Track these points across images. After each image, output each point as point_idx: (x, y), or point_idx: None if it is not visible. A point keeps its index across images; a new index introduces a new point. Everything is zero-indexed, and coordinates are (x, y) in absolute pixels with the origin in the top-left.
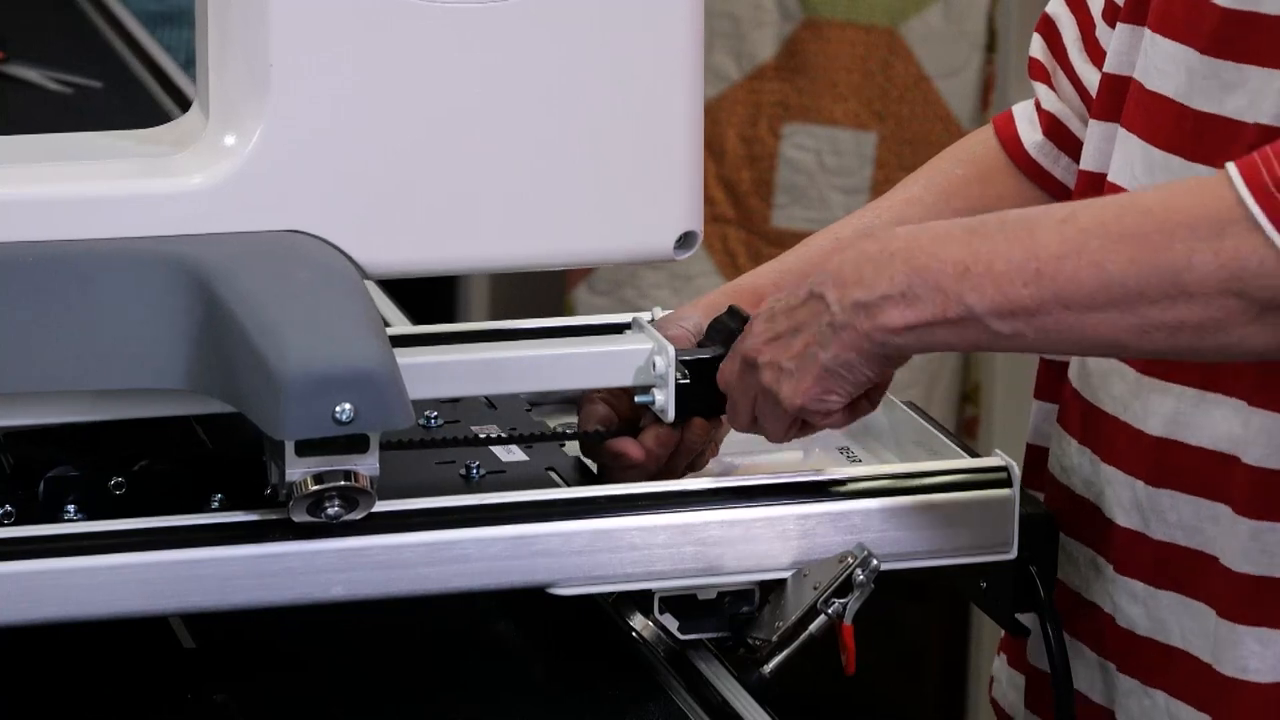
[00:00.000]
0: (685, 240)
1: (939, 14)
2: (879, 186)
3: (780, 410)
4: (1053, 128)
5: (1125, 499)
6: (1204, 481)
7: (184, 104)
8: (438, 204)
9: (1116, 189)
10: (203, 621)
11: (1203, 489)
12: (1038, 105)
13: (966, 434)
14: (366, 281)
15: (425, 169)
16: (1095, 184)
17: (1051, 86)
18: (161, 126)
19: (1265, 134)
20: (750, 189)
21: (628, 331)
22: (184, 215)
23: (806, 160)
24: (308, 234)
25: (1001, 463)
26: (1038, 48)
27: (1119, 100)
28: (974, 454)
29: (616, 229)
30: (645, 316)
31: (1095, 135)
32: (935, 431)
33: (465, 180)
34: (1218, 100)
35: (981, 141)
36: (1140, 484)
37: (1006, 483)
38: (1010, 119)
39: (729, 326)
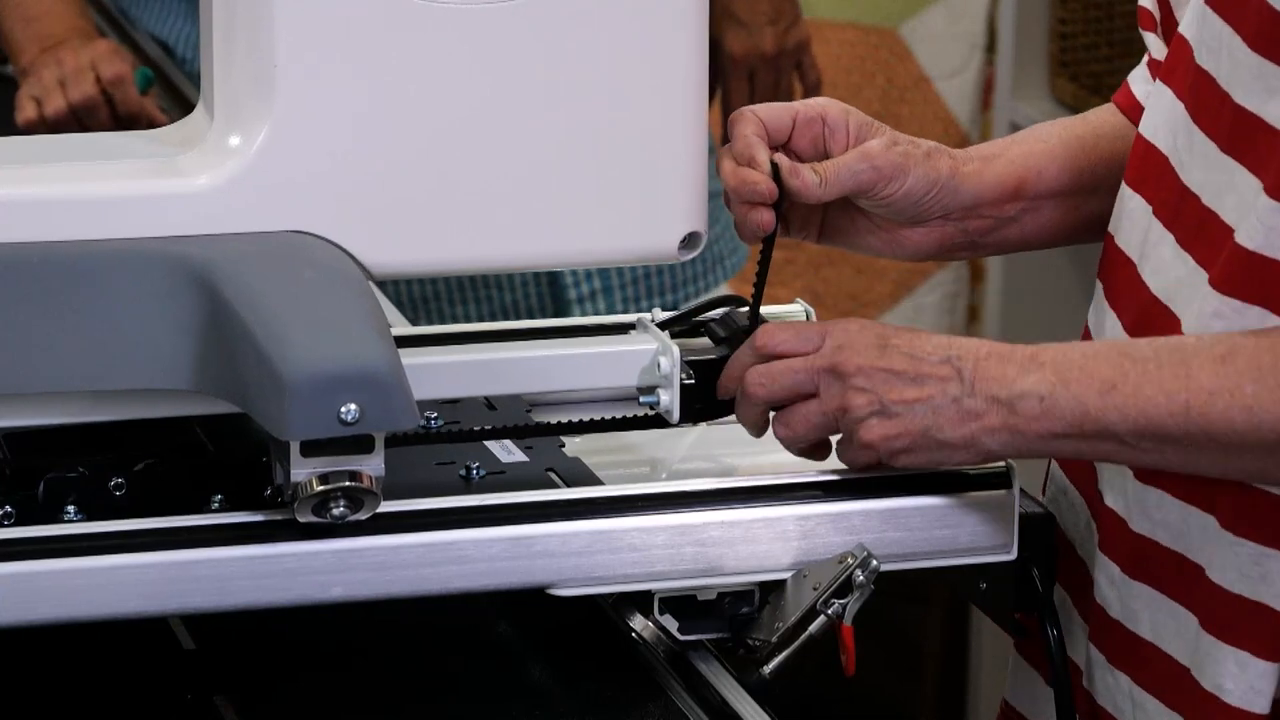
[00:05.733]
0: (690, 241)
1: (939, 14)
2: None
3: (832, 428)
4: None
5: (1116, 483)
6: (1191, 489)
7: (181, 103)
8: (442, 204)
9: (1158, 156)
10: (203, 622)
11: (1190, 496)
12: (1149, 59)
13: None
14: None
15: (430, 169)
16: (1148, 150)
17: (1159, 35)
18: (167, 127)
19: None
20: None
21: (632, 332)
22: (189, 216)
23: None
24: (313, 234)
25: (1001, 463)
26: None
27: (1176, 64)
28: None
29: (621, 229)
30: (649, 317)
31: (1153, 97)
32: None
33: (470, 181)
34: (1260, 100)
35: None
36: (1130, 475)
37: (1007, 483)
38: (1127, 89)
39: (738, 325)
